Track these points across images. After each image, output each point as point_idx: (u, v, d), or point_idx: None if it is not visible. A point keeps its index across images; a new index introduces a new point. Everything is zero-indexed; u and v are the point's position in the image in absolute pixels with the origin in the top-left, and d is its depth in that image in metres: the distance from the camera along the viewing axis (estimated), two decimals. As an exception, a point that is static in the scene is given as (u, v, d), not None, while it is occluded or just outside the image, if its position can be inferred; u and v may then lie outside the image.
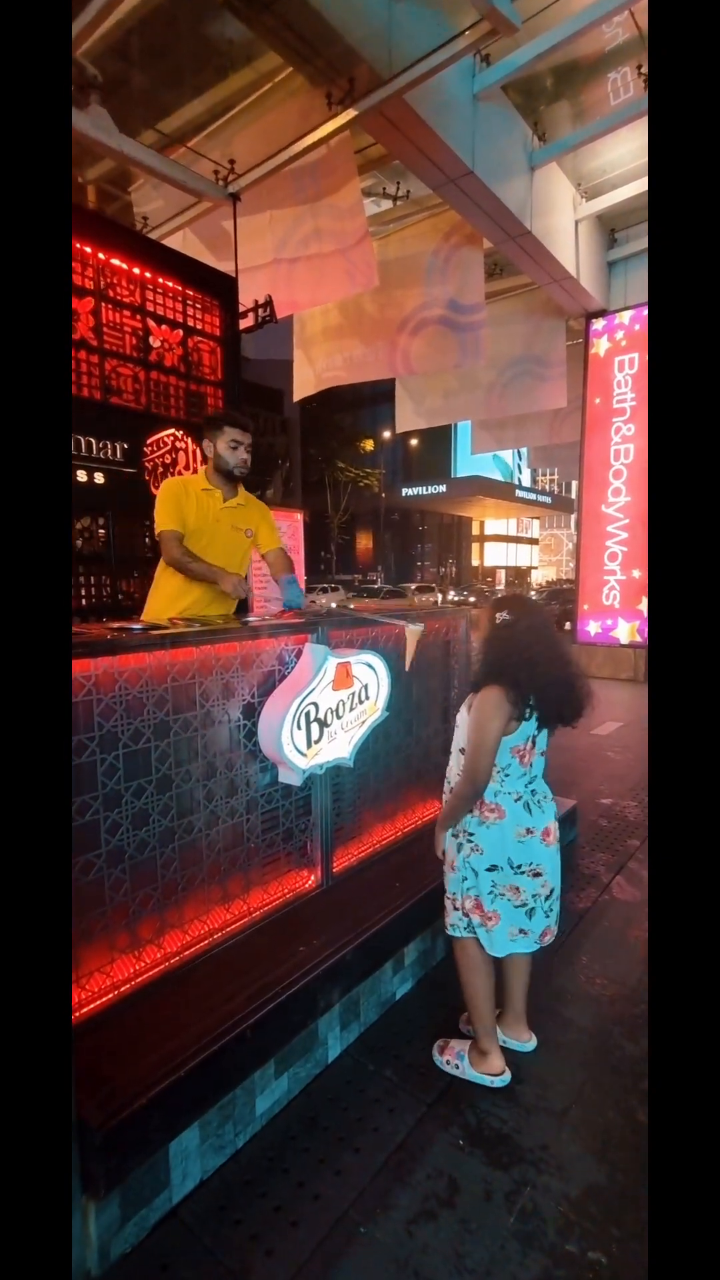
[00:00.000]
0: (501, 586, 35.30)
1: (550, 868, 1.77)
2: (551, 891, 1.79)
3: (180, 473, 4.15)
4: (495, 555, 40.17)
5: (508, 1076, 1.81)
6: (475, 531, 38.29)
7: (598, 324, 8.44)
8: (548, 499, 35.93)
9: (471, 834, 1.76)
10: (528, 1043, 1.94)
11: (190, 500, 2.51)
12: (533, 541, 44.91)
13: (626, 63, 6.01)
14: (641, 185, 7.17)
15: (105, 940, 1.61)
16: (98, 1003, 1.57)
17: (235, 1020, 1.57)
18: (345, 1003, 1.92)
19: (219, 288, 4.36)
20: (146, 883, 1.68)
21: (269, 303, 5.29)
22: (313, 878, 2.18)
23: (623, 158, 7.10)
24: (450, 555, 36.32)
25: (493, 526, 39.32)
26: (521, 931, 1.76)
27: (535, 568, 44.08)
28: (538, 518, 42.72)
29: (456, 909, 1.81)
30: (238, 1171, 1.56)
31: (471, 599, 21.02)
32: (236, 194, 5.33)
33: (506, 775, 1.73)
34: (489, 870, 1.74)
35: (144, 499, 3.84)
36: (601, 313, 8.43)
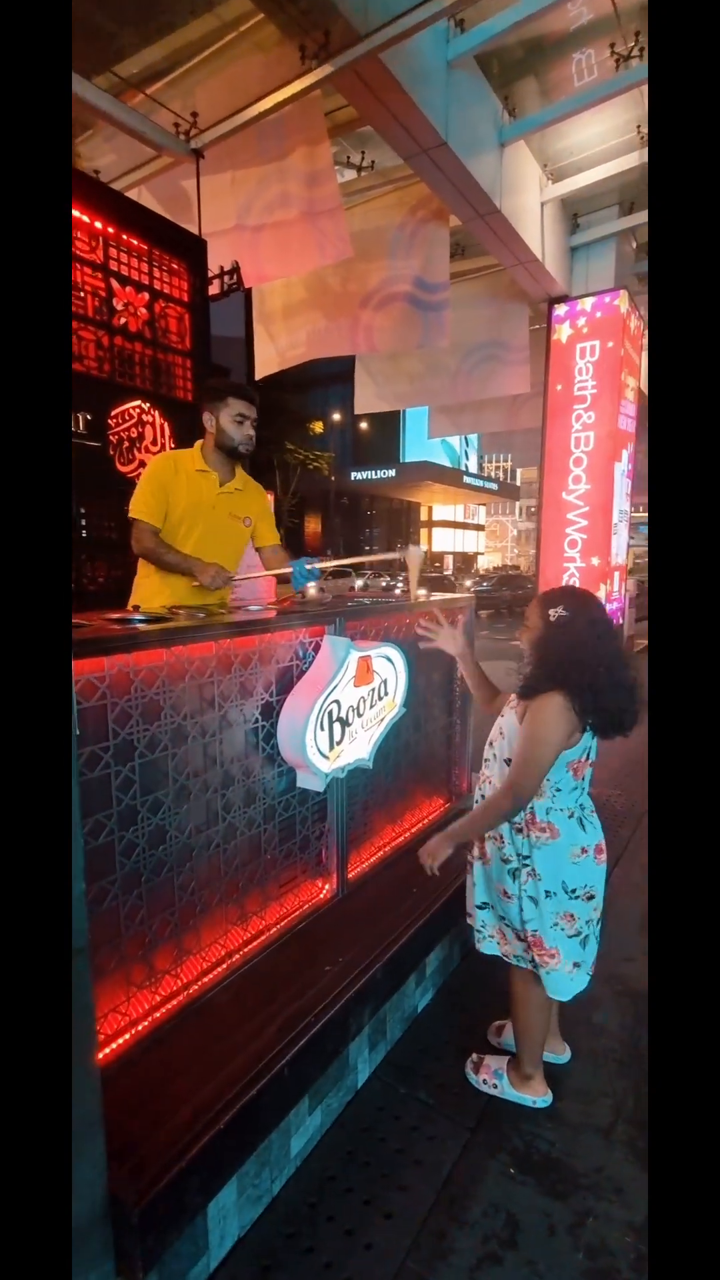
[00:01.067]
0: (450, 571, 35.61)
1: (602, 889, 1.64)
2: (602, 915, 1.67)
3: (147, 449, 3.85)
4: (443, 540, 40.47)
5: (549, 1097, 1.71)
6: (424, 517, 38.43)
7: (560, 310, 8.42)
8: (494, 486, 36.37)
9: (526, 857, 1.60)
10: (562, 1055, 1.86)
11: (180, 482, 2.22)
12: (479, 528, 45.46)
13: (597, 42, 5.93)
14: (605, 171, 7.15)
15: (121, 975, 1.41)
16: (115, 1045, 1.38)
17: (271, 1057, 1.41)
18: (374, 1023, 1.79)
19: (187, 249, 4.04)
20: (164, 908, 1.49)
21: (236, 269, 4.99)
22: (328, 888, 2.02)
23: (588, 140, 7.05)
24: (399, 540, 36.35)
25: (440, 512, 39.56)
26: (576, 965, 1.60)
27: (481, 553, 44.69)
28: (484, 504, 43.25)
29: (520, 940, 1.65)
30: (277, 1223, 1.41)
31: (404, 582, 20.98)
32: (199, 150, 4.98)
33: (558, 790, 1.57)
34: (547, 897, 1.58)
35: (110, 475, 3.54)
36: (564, 298, 8.41)
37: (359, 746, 1.93)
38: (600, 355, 8.18)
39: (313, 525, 32.89)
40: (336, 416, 28.61)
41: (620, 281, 8.32)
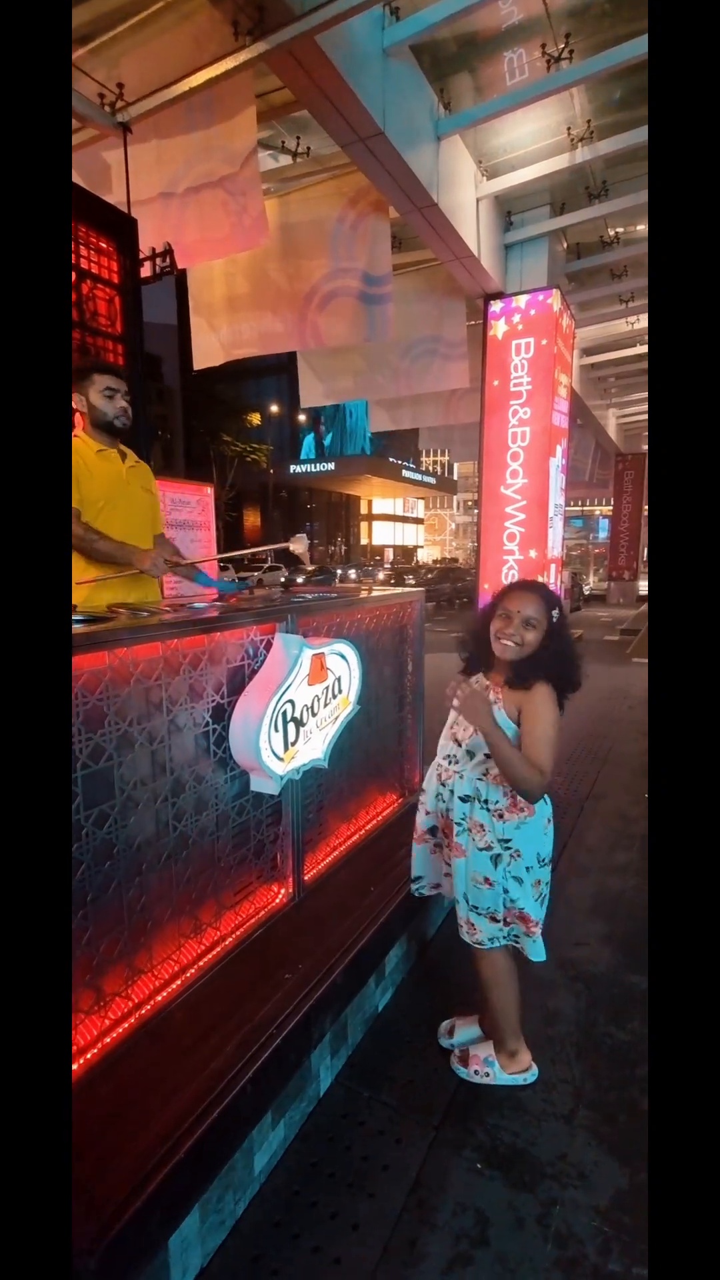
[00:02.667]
0: (389, 565, 35.83)
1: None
2: None
3: (77, 436, 3.66)
4: (383, 534, 40.69)
5: (535, 1070, 1.77)
6: (364, 510, 38.51)
7: (495, 306, 8.54)
8: (432, 480, 36.82)
9: (508, 840, 1.63)
10: None
11: (85, 468, 2.10)
12: (418, 521, 45.96)
13: (528, 42, 6.01)
14: (538, 170, 7.27)
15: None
16: (60, 1080, 1.28)
17: (232, 1076, 1.35)
18: (335, 1028, 1.75)
19: (117, 228, 3.85)
20: (113, 927, 1.40)
21: (169, 251, 4.79)
22: (284, 892, 1.97)
23: (522, 139, 7.15)
24: (339, 533, 36.31)
25: (380, 506, 39.74)
26: (539, 925, 1.69)
27: (421, 546, 45.20)
28: (423, 498, 43.72)
29: (495, 922, 1.67)
30: (242, 1246, 1.35)
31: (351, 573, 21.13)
32: (127, 124, 4.75)
33: None
34: (527, 870, 1.64)
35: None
36: (499, 295, 8.54)
37: (314, 746, 1.88)
38: (535, 352, 8.36)
39: (251, 519, 32.41)
40: (274, 408, 28.24)
41: (553, 280, 8.51)
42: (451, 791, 1.71)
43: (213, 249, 5.26)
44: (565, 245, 9.55)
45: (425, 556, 42.44)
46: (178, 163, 5.03)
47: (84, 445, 2.15)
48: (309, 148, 6.80)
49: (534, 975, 2.18)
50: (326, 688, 1.91)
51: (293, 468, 29.84)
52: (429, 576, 20.16)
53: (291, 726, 1.76)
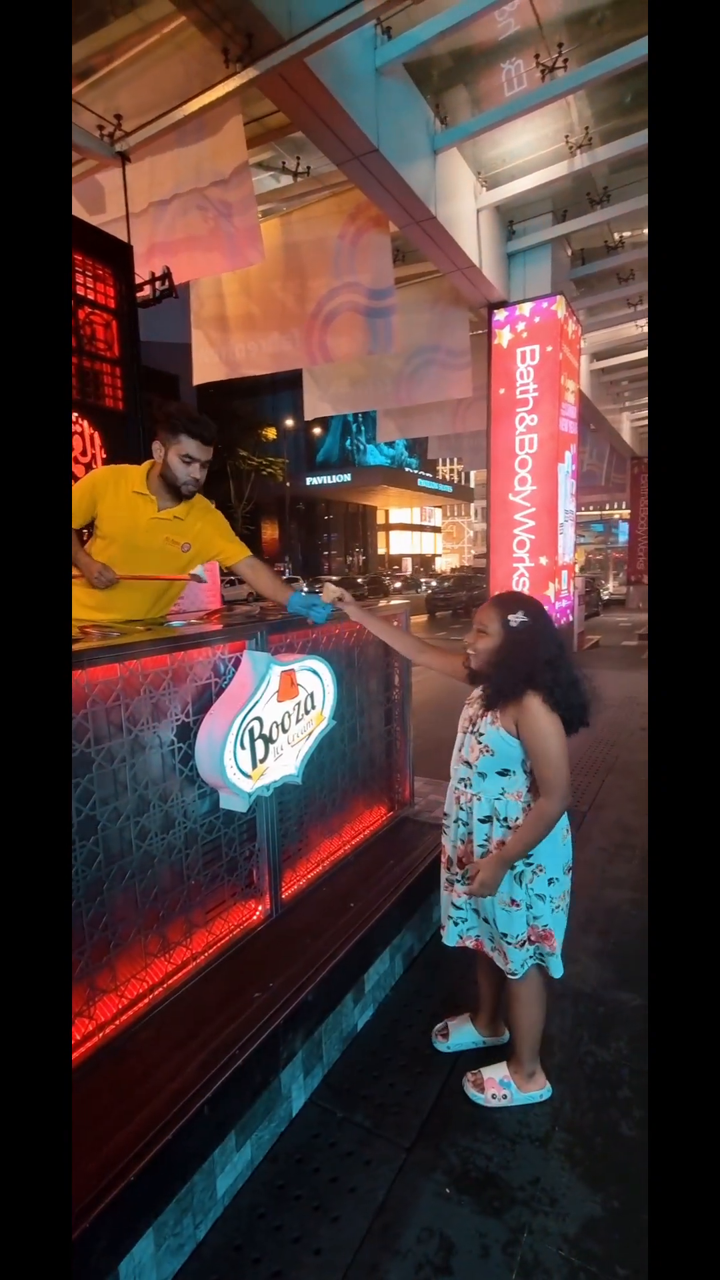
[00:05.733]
0: (408, 573, 35.83)
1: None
2: None
3: (76, 459, 3.73)
4: (401, 543, 40.72)
5: (549, 1086, 1.76)
6: (380, 520, 38.60)
7: (499, 315, 8.55)
8: (449, 489, 36.78)
9: (530, 858, 1.61)
10: (504, 1035, 1.91)
11: (117, 498, 2.08)
12: (436, 530, 45.90)
13: (522, 53, 6.04)
14: (538, 178, 7.28)
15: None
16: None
17: (190, 1096, 1.35)
18: (308, 1046, 1.74)
19: (113, 254, 3.94)
20: (73, 946, 1.41)
21: (167, 274, 4.88)
22: (261, 909, 1.96)
23: (521, 149, 7.17)
24: (357, 544, 36.41)
25: (397, 515, 39.81)
26: (558, 942, 1.69)
27: (439, 555, 45.12)
28: (440, 507, 43.69)
29: (522, 947, 1.66)
30: (201, 1271, 1.34)
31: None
32: (125, 153, 4.87)
33: None
34: (549, 885, 1.63)
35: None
36: (503, 303, 8.54)
37: (285, 763, 1.88)
38: (540, 359, 8.34)
39: (269, 532, 32.68)
40: (290, 422, 28.49)
41: (557, 287, 8.48)
42: (471, 813, 1.69)
43: (207, 267, 5.35)
44: (570, 251, 9.52)
45: (443, 565, 42.33)
46: (170, 184, 5.14)
47: (132, 480, 2.10)
48: (309, 167, 6.90)
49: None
50: (298, 704, 1.91)
51: (309, 480, 30.06)
52: (445, 585, 20.14)
53: (260, 743, 1.77)
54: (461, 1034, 1.93)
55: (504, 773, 1.62)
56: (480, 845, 1.67)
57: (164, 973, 1.65)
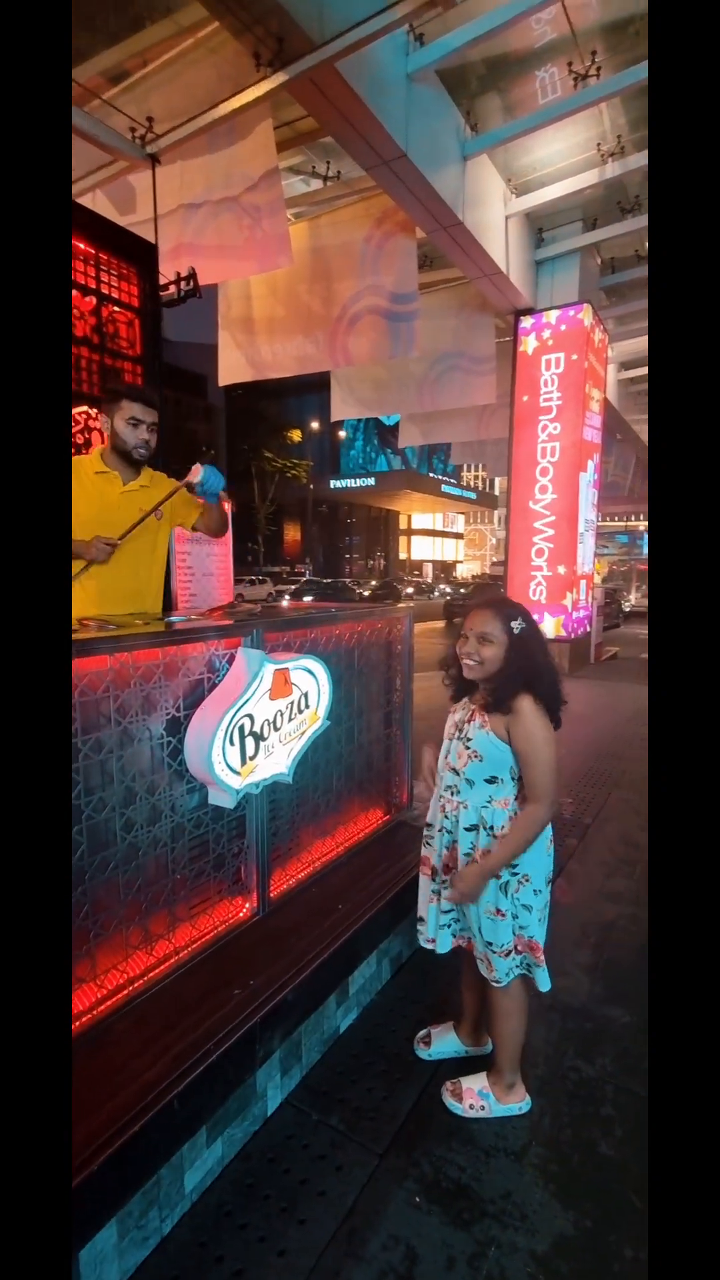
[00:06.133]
0: (429, 578, 35.75)
1: None
2: None
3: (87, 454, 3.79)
4: (422, 549, 40.66)
5: (529, 1099, 1.74)
6: (403, 525, 38.59)
7: (525, 322, 8.52)
8: (472, 495, 36.65)
9: (514, 866, 1.60)
10: (486, 1046, 1.87)
11: (79, 488, 2.14)
12: (458, 536, 45.77)
13: (556, 61, 6.02)
14: (567, 186, 7.25)
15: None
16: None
17: (160, 1090, 1.35)
18: (286, 1046, 1.74)
19: (137, 254, 4.00)
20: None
21: (192, 275, 4.94)
22: (248, 906, 1.97)
23: (552, 156, 7.15)
24: (378, 548, 36.44)
25: (419, 520, 39.76)
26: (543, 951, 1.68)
27: (460, 561, 44.97)
28: (463, 513, 43.56)
29: (508, 956, 1.65)
30: (164, 1266, 1.34)
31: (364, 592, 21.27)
32: (155, 155, 4.95)
33: None
34: (535, 895, 1.62)
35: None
36: (529, 311, 8.51)
37: (276, 761, 1.89)
38: (565, 367, 8.29)
39: (291, 534, 32.84)
40: (315, 425, 28.63)
41: (585, 295, 8.43)
42: (456, 821, 1.68)
43: (235, 270, 5.40)
44: (600, 260, 9.46)
45: (464, 571, 42.16)
46: (199, 186, 5.21)
47: (88, 465, 2.20)
48: (339, 171, 6.95)
49: (507, 1004, 2.12)
50: (291, 703, 1.91)
51: (332, 482, 30.15)
52: (460, 591, 20.13)
53: (250, 740, 1.77)
54: (444, 1042, 1.91)
55: (492, 780, 1.61)
56: (465, 854, 1.65)
57: (145, 965, 1.66)
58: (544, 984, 1.68)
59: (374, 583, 23.21)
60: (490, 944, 1.65)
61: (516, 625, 1.59)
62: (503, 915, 1.63)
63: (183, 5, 4.58)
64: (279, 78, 4.37)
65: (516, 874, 1.61)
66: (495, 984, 1.67)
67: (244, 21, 4.17)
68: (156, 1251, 1.36)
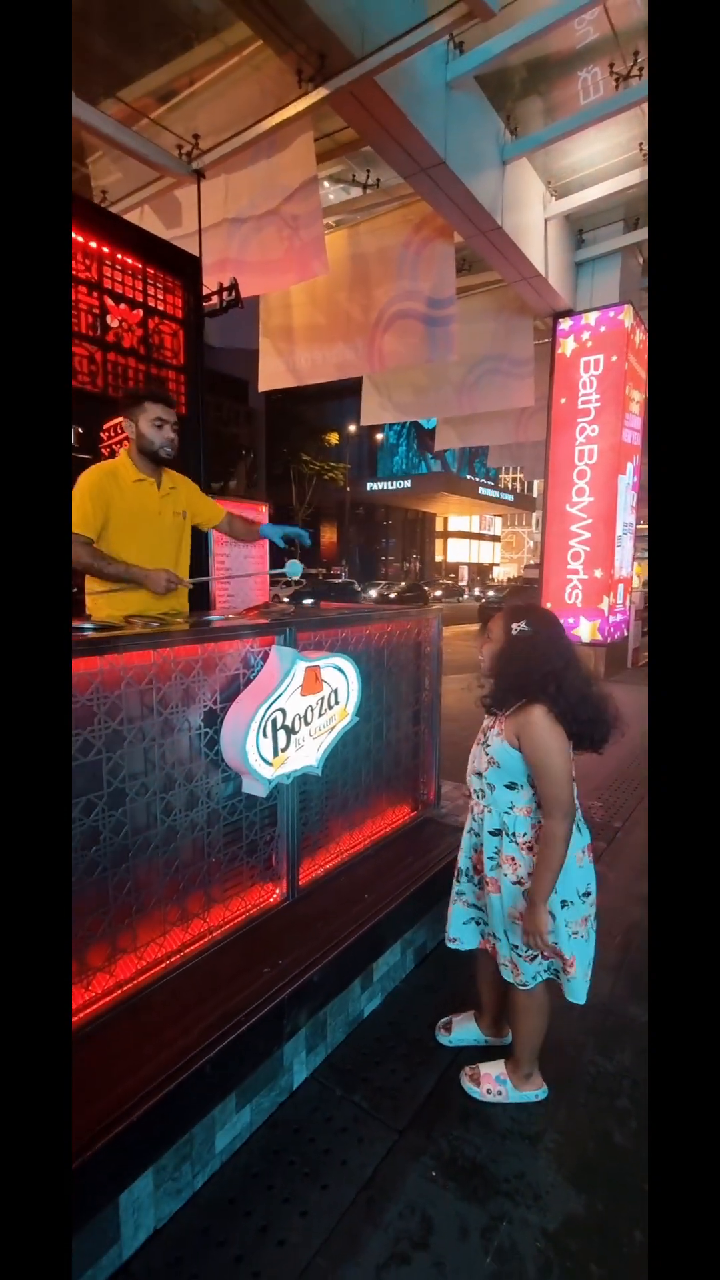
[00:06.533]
0: (465, 581, 35.58)
1: (595, 886, 1.71)
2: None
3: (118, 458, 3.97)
4: (459, 551, 40.45)
5: (546, 1088, 1.78)
6: (439, 528, 38.46)
7: (564, 324, 8.47)
8: (510, 497, 36.31)
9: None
10: (507, 1037, 1.92)
11: (120, 493, 2.28)
12: (495, 539, 45.38)
13: (597, 62, 6.00)
14: (609, 187, 7.20)
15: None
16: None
17: (194, 1054, 1.45)
18: (312, 1025, 1.83)
19: (182, 267, 4.15)
20: (96, 906, 1.55)
21: (234, 286, 5.09)
22: (278, 891, 2.06)
23: (593, 157, 7.10)
24: (414, 550, 36.41)
25: (456, 523, 39.56)
26: (589, 965, 1.68)
27: (497, 564, 44.57)
28: (501, 515, 43.17)
29: (533, 962, 1.69)
30: (195, 1217, 1.44)
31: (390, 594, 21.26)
32: (201, 171, 5.12)
33: None
34: (563, 908, 1.62)
35: (100, 487, 3.64)
36: (568, 313, 8.46)
37: (306, 754, 1.98)
38: (604, 369, 8.21)
39: (328, 536, 33.03)
40: (352, 428, 28.75)
41: (626, 296, 8.34)
42: (482, 824, 1.74)
43: (274, 282, 5.53)
44: (642, 260, 9.33)
45: (500, 574, 41.78)
46: (243, 199, 5.35)
47: (125, 472, 2.34)
48: (378, 179, 7.03)
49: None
50: (321, 699, 2.00)
51: (369, 485, 30.26)
52: (489, 594, 20.08)
53: (282, 734, 1.87)
54: (464, 1030, 1.97)
55: (511, 786, 1.65)
56: (490, 858, 1.70)
57: (181, 941, 1.77)
58: (573, 995, 1.66)
59: (402, 584, 23.21)
60: (516, 948, 1.69)
61: (517, 628, 1.61)
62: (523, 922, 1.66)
63: (228, 25, 4.73)
64: (320, 92, 4.48)
65: None
66: (522, 988, 1.70)
67: (286, 39, 4.29)
68: (189, 1204, 1.46)
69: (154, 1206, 1.40)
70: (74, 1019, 1.49)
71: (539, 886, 1.57)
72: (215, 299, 5.12)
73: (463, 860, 1.86)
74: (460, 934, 1.87)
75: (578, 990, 1.67)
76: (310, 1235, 1.40)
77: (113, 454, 3.81)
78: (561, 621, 1.71)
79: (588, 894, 1.67)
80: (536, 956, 1.68)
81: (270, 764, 1.83)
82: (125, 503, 2.29)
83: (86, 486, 2.24)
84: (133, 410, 2.33)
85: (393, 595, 21.20)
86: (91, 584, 2.36)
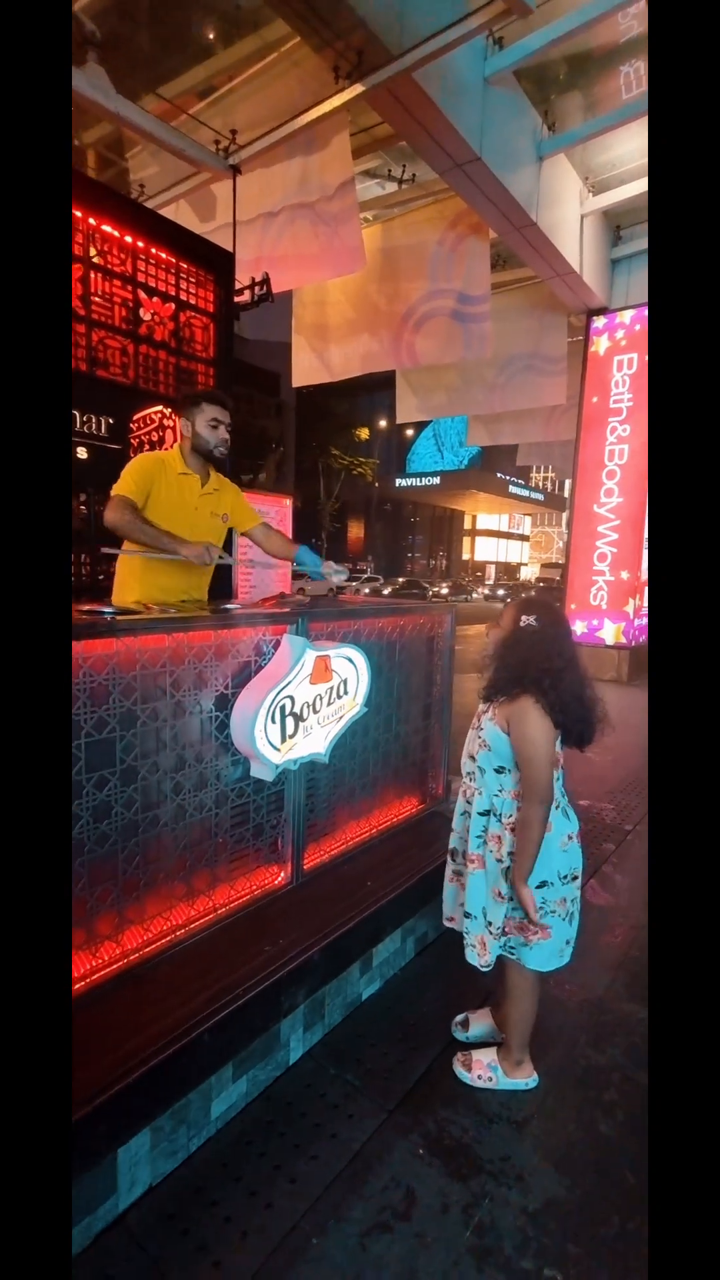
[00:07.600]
0: (491, 581, 35.33)
1: (582, 870, 1.76)
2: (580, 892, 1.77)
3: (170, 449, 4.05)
4: (486, 549, 40.19)
5: (536, 1076, 1.82)
6: (467, 525, 38.25)
7: (598, 322, 8.37)
8: (540, 496, 35.94)
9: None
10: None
11: (165, 481, 2.37)
12: (523, 538, 44.97)
13: (640, 55, 5.90)
14: (646, 184, 7.09)
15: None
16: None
17: (193, 1023, 1.52)
18: (310, 1004, 1.88)
19: (214, 261, 4.22)
20: (106, 878, 1.62)
21: (266, 280, 5.15)
22: (283, 874, 2.12)
23: (632, 153, 7.00)
24: (441, 548, 36.27)
25: (484, 521, 39.30)
26: (567, 942, 1.73)
27: (525, 564, 44.17)
28: (530, 514, 42.74)
29: (498, 938, 1.74)
30: (189, 1178, 1.51)
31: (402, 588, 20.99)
32: (237, 166, 5.18)
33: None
34: (539, 888, 1.67)
35: (128, 477, 3.73)
36: (603, 310, 8.36)
37: (314, 741, 2.03)
38: (638, 368, 8.10)
39: (355, 531, 33.08)
40: (382, 423, 28.74)
41: (662, 294, 8.19)
42: (472, 804, 1.79)
43: (308, 276, 5.58)
44: (681, 257, 9.15)
45: (528, 574, 41.40)
46: (278, 194, 5.40)
47: (174, 463, 2.42)
48: (414, 174, 7.03)
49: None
50: (330, 688, 2.05)
51: (398, 481, 30.23)
52: (501, 593, 19.94)
53: (290, 720, 1.92)
54: (481, 1026, 2.00)
55: (500, 770, 1.70)
56: (477, 836, 1.75)
57: (187, 917, 1.84)
58: (534, 963, 1.71)
59: (400, 580, 22.93)
60: (490, 924, 1.73)
61: (526, 620, 1.66)
62: (502, 899, 1.71)
63: (268, 22, 4.78)
64: (357, 88, 4.50)
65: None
66: (484, 968, 1.76)
67: (325, 36, 4.32)
68: (184, 1165, 1.53)
69: (150, 1164, 1.47)
70: (81, 985, 1.57)
71: (517, 868, 1.64)
72: (247, 294, 5.19)
73: (454, 840, 1.90)
74: (457, 913, 1.91)
75: (541, 958, 1.70)
76: (297, 1201, 1.46)
77: (142, 445, 3.91)
78: (569, 622, 1.75)
79: (574, 878, 1.72)
80: (501, 934, 1.72)
81: (278, 749, 1.89)
82: (167, 491, 2.37)
83: (137, 464, 2.35)
84: (190, 410, 2.42)
85: (387, 592, 20.77)
86: (124, 563, 2.44)
